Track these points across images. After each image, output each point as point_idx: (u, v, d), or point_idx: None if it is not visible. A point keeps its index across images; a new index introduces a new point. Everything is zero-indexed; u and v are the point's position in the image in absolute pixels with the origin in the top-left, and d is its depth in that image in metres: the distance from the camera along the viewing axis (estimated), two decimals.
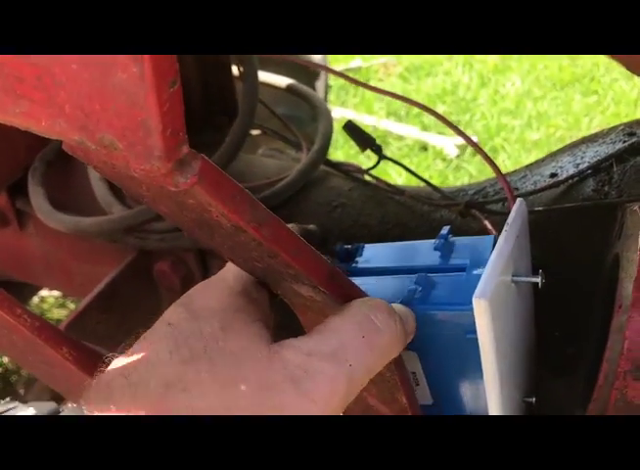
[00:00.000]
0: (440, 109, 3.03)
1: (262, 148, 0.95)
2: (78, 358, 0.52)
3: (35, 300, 1.92)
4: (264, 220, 0.32)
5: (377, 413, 0.48)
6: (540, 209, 0.61)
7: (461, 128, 0.58)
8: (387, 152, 2.80)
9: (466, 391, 0.49)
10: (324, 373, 0.34)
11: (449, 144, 2.82)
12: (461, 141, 2.80)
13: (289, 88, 0.90)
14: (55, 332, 0.51)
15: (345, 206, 0.77)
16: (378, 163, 0.79)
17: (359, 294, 0.43)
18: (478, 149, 0.60)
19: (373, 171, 0.79)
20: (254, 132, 0.95)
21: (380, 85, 3.16)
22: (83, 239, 0.83)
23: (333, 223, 0.75)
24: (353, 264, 0.53)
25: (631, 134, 0.63)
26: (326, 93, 1.59)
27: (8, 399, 0.30)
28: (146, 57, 0.23)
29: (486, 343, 0.43)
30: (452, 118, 3.01)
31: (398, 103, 3.11)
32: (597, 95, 3.04)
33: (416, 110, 3.04)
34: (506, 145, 2.79)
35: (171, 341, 0.35)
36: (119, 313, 0.75)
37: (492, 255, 0.45)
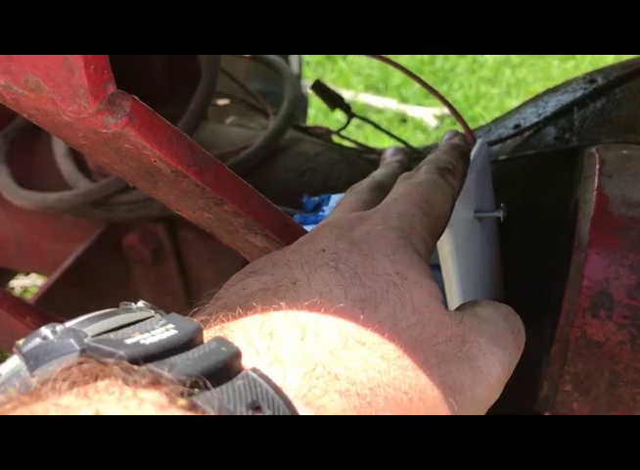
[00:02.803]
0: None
1: (231, 117, 0.94)
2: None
3: (18, 290, 1.91)
4: (206, 164, 0.31)
5: None
6: (504, 157, 0.61)
7: (438, 90, 0.58)
8: (366, 125, 2.80)
9: None
10: (495, 355, 0.30)
11: (428, 115, 2.81)
12: (440, 111, 2.80)
13: (253, 56, 0.89)
14: (17, 302, 0.50)
15: (314, 170, 0.77)
16: (348, 121, 0.79)
17: None
18: (444, 101, 0.60)
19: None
20: (223, 102, 0.94)
21: (357, 59, 3.14)
22: (53, 218, 0.83)
23: (302, 188, 0.75)
24: (321, 213, 0.54)
25: (592, 81, 0.63)
26: (300, 67, 1.58)
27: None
28: None
29: (450, 272, 0.44)
30: None
31: (376, 76, 3.09)
32: (575, 60, 3.04)
33: (394, 82, 3.03)
34: (485, 114, 2.79)
35: (338, 273, 0.28)
36: (90, 287, 0.75)
37: None
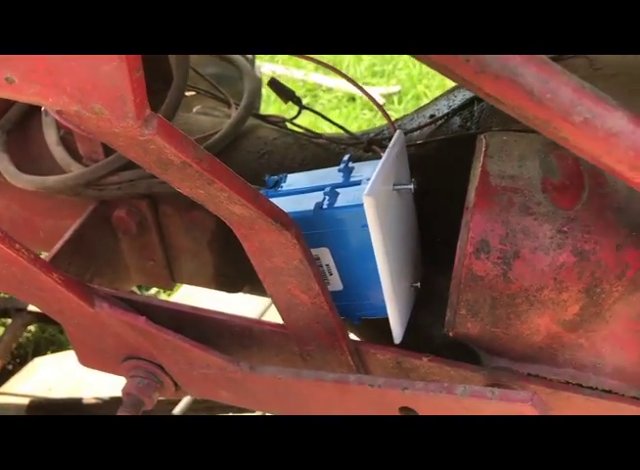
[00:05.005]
0: (365, 60, 3.17)
1: (196, 107, 1.08)
2: (67, 282, 0.66)
3: None
4: (203, 157, 0.47)
5: (299, 301, 0.64)
6: (420, 142, 0.78)
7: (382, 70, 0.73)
8: (316, 104, 2.94)
9: (367, 276, 0.66)
10: None
11: (375, 94, 2.97)
12: (386, 91, 2.97)
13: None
14: (46, 263, 0.65)
15: (272, 153, 0.92)
16: (299, 112, 0.94)
17: (279, 211, 0.59)
18: (371, 98, 0.76)
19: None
20: (189, 93, 1.08)
21: None
22: (46, 197, 0.95)
23: (261, 169, 0.90)
24: (279, 189, 0.70)
25: None
26: None
27: None
28: (123, 56, 0.38)
29: (375, 230, 0.61)
30: (377, 69, 3.16)
31: (327, 56, 3.22)
32: None
33: (344, 62, 3.17)
34: (428, 92, 2.97)
35: None
36: (86, 256, 0.88)
37: (377, 168, 0.62)
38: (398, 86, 3.01)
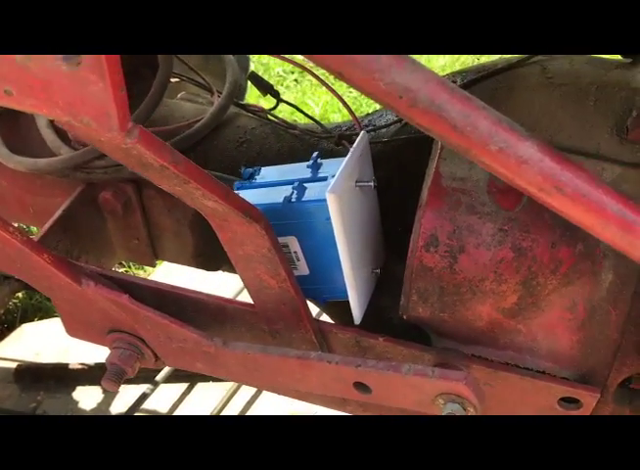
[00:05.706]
0: None
1: (181, 93, 1.13)
2: (56, 262, 0.73)
3: None
4: (179, 161, 0.53)
5: (267, 285, 0.71)
6: (385, 139, 0.84)
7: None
8: (304, 81, 2.97)
9: (330, 263, 0.73)
10: None
11: None
12: None
13: None
14: (37, 244, 0.71)
15: (250, 142, 0.98)
16: (277, 104, 1.00)
17: (249, 205, 0.65)
18: (341, 101, 0.82)
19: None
20: (173, 80, 1.13)
21: None
22: (36, 176, 1.01)
23: (240, 156, 0.96)
24: (253, 181, 0.77)
25: (453, 82, 0.86)
26: None
27: None
28: (107, 77, 0.44)
29: (337, 223, 0.68)
30: None
31: None
32: None
33: None
34: None
35: None
36: (74, 234, 0.94)
37: (340, 166, 0.69)
38: None
